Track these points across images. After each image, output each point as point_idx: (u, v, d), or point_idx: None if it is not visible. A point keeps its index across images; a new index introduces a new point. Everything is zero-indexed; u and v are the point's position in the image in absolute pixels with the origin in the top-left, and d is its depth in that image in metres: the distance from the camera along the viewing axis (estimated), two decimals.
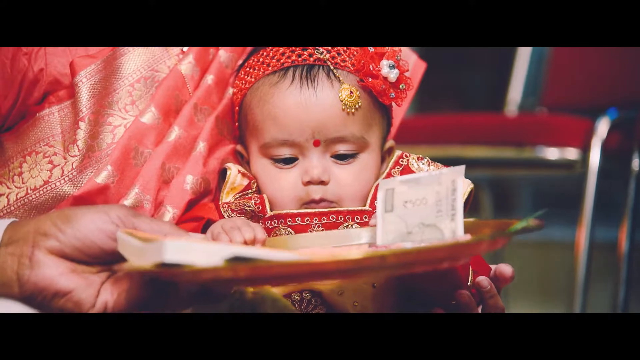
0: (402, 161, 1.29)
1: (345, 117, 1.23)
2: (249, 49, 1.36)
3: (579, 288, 2.33)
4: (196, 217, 1.24)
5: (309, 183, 1.23)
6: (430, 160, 1.29)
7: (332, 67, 1.24)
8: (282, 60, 1.25)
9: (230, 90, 1.34)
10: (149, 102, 1.27)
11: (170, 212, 1.24)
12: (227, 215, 1.24)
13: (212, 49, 1.34)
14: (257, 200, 1.24)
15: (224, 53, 1.35)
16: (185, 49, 1.33)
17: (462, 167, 1.06)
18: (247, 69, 1.29)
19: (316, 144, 1.23)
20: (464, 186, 1.24)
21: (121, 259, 1.03)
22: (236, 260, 0.95)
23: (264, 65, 1.27)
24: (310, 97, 1.23)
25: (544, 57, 2.93)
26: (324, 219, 1.22)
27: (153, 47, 1.30)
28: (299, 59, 1.25)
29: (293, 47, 1.26)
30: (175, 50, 1.32)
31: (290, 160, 1.24)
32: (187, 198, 1.25)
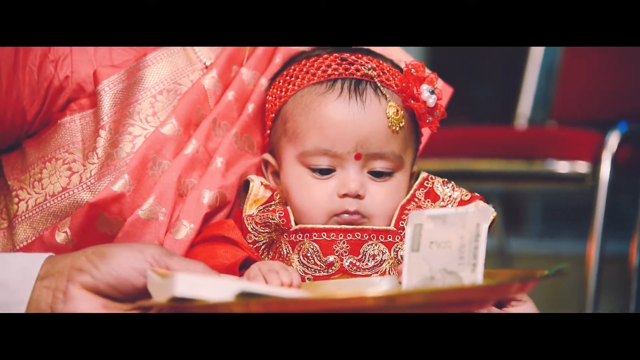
0: (427, 183, 1.29)
1: (389, 134, 1.24)
2: (272, 66, 1.37)
3: (590, 301, 2.32)
4: (215, 236, 1.24)
5: (345, 196, 1.23)
6: (455, 185, 1.29)
7: (379, 84, 1.25)
8: (328, 72, 1.26)
9: (250, 107, 1.34)
10: (170, 113, 1.27)
11: (187, 227, 1.24)
12: (251, 228, 1.24)
13: (234, 66, 1.35)
14: (282, 214, 1.24)
15: (246, 70, 1.36)
16: (208, 63, 1.33)
17: (489, 210, 1.06)
18: (288, 77, 1.30)
19: (357, 157, 1.23)
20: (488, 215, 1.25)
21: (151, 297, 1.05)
22: (244, 295, 0.97)
23: (309, 75, 1.27)
24: (358, 111, 1.24)
25: (554, 70, 2.93)
26: (349, 236, 1.22)
27: (177, 61, 1.30)
28: (346, 72, 1.26)
29: (339, 60, 1.27)
30: (199, 64, 1.33)
31: (327, 172, 1.25)
32: (204, 212, 1.25)
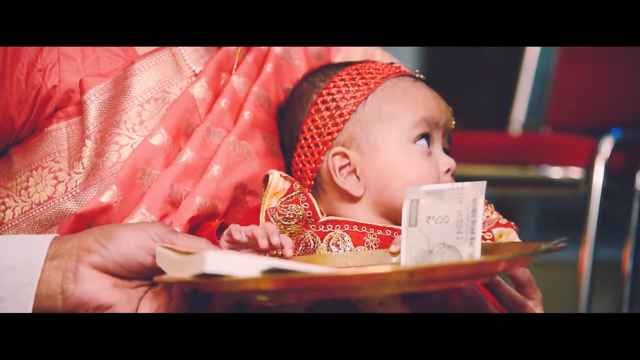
0: None
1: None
2: (262, 75, 1.38)
3: (583, 307, 2.33)
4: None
5: (448, 171, 1.30)
6: (493, 208, 1.32)
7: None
8: (400, 70, 1.36)
9: (246, 114, 1.35)
10: (158, 123, 1.27)
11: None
12: (275, 221, 1.26)
13: (224, 74, 1.35)
14: (307, 205, 1.27)
15: (237, 78, 1.36)
16: (198, 71, 1.33)
17: (484, 184, 1.09)
18: (360, 74, 1.34)
19: (443, 133, 1.32)
20: (513, 236, 1.28)
21: (158, 274, 1.07)
22: (273, 271, 0.99)
23: (387, 70, 1.35)
24: (440, 98, 1.34)
25: (548, 77, 2.94)
26: (379, 232, 1.25)
27: (165, 68, 1.30)
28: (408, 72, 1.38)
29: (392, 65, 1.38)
30: (188, 72, 1.33)
31: (428, 146, 1.31)
32: (190, 215, 1.25)
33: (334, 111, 1.32)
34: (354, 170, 1.31)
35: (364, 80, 1.33)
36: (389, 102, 1.31)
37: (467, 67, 3.83)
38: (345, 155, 1.31)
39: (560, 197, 3.38)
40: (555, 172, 2.42)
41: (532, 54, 2.96)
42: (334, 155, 1.31)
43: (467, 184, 1.09)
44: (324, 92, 1.34)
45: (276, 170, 1.30)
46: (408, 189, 1.14)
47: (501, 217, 1.31)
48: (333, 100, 1.33)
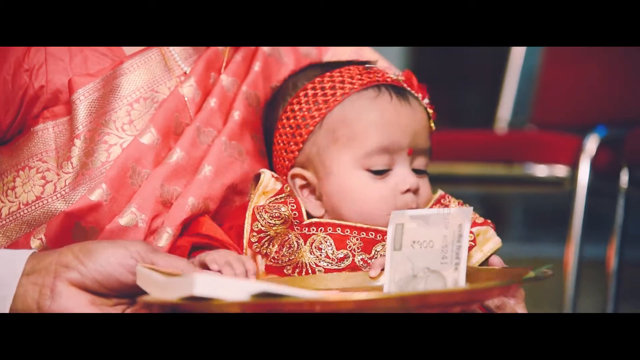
0: (443, 201, 1.31)
1: (429, 131, 1.31)
2: (251, 74, 1.38)
3: (568, 305, 2.34)
4: (196, 233, 1.25)
5: (407, 191, 1.27)
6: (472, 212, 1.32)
7: (408, 88, 1.31)
8: (365, 80, 1.30)
9: (236, 114, 1.34)
10: (148, 122, 1.27)
11: (169, 233, 1.24)
12: (261, 219, 1.26)
13: (213, 73, 1.35)
14: (294, 206, 1.26)
15: (225, 78, 1.36)
16: (188, 71, 1.33)
17: (470, 210, 1.08)
18: (321, 90, 1.30)
19: (409, 152, 1.27)
20: (494, 243, 1.28)
21: (137, 292, 1.06)
22: (263, 296, 0.98)
23: (349, 85, 1.30)
24: (408, 110, 1.28)
25: (534, 75, 2.95)
26: (362, 234, 1.24)
27: (154, 68, 1.30)
28: (380, 78, 1.31)
29: (363, 69, 1.32)
30: (177, 71, 1.32)
31: (384, 172, 1.27)
32: (184, 217, 1.25)
33: (294, 129, 1.31)
34: (314, 191, 1.30)
35: (324, 98, 1.30)
36: (343, 125, 1.28)
37: (453, 66, 3.84)
38: (303, 177, 1.30)
39: (546, 195, 3.40)
40: (541, 170, 2.43)
41: (517, 53, 2.97)
42: (292, 177, 1.31)
43: (452, 209, 1.10)
44: (288, 108, 1.32)
45: (267, 170, 1.30)
46: (393, 213, 1.13)
47: (477, 215, 1.30)
48: (295, 118, 1.31)
